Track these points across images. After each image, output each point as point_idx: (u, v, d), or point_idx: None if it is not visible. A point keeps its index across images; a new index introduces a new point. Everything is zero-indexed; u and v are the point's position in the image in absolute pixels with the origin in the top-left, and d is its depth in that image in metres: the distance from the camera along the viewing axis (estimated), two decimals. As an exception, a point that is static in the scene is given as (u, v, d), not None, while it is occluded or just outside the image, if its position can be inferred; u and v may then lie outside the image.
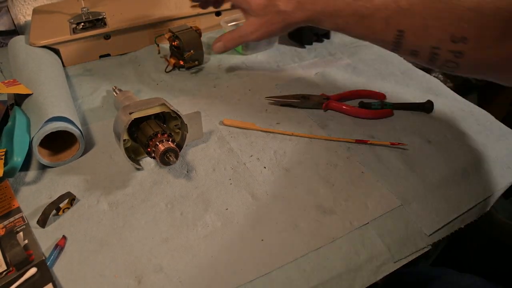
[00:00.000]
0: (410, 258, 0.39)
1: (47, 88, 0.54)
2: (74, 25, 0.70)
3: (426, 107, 0.56)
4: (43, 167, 0.49)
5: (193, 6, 0.73)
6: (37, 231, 0.41)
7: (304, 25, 0.49)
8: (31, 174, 0.48)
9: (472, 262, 0.54)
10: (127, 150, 0.47)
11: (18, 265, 0.37)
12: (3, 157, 0.44)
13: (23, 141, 0.46)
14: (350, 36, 0.46)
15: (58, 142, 0.49)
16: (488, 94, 1.50)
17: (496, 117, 0.55)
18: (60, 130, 0.47)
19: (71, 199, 0.43)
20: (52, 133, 0.46)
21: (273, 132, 0.54)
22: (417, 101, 0.57)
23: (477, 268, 0.54)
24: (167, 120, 0.49)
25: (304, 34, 0.72)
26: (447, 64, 0.39)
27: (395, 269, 0.38)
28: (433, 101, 0.56)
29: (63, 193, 0.44)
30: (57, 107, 0.49)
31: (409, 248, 0.39)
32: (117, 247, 0.40)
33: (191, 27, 0.66)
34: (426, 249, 0.39)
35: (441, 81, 0.62)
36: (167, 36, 0.65)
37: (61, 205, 0.43)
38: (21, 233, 0.41)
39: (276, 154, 0.50)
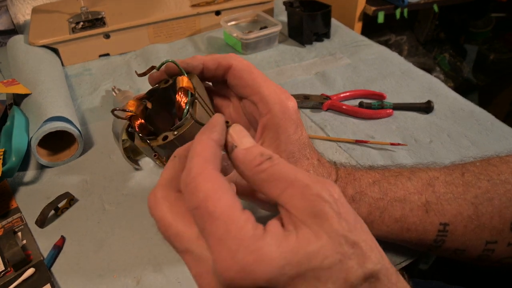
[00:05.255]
0: (404, 264, 0.38)
1: (46, 87, 0.54)
2: (73, 25, 0.70)
3: (426, 107, 0.55)
4: (41, 167, 0.49)
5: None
6: (35, 231, 0.41)
7: None
8: (30, 174, 0.48)
9: (467, 266, 0.54)
10: (126, 150, 0.47)
11: (16, 265, 0.36)
12: (1, 157, 0.44)
13: (22, 141, 0.46)
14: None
15: (57, 142, 0.49)
16: (488, 94, 1.50)
17: (497, 117, 0.54)
18: (59, 130, 0.46)
19: (69, 199, 0.43)
20: (51, 133, 0.46)
21: (272, 132, 0.53)
22: (418, 101, 0.57)
23: (472, 273, 0.54)
24: None
25: (304, 33, 0.72)
26: (504, 261, 0.32)
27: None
28: (433, 101, 0.56)
29: (62, 193, 0.43)
30: (56, 107, 0.49)
31: (405, 254, 0.38)
32: (116, 247, 0.39)
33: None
34: (421, 254, 0.39)
35: (442, 81, 0.62)
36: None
37: (59, 205, 0.43)
38: (19, 233, 0.41)
39: (276, 154, 0.50)
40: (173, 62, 0.33)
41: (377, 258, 0.20)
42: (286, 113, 0.31)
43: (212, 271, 0.20)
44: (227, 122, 0.25)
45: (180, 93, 0.31)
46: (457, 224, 0.32)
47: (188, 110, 0.30)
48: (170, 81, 0.34)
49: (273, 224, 0.21)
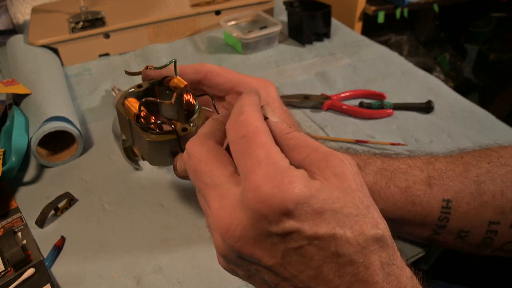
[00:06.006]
0: (409, 261, 0.38)
1: (46, 87, 0.54)
2: (73, 24, 0.70)
3: (427, 107, 0.55)
4: (41, 167, 0.49)
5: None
6: (35, 231, 0.41)
7: None
8: (30, 174, 0.48)
9: (468, 266, 0.54)
10: (126, 150, 0.47)
11: (16, 266, 0.36)
12: (1, 157, 0.44)
13: (22, 141, 0.46)
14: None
15: (57, 142, 0.49)
16: (489, 94, 1.49)
17: (497, 117, 0.54)
18: (59, 130, 0.46)
19: (69, 199, 0.43)
20: (50, 133, 0.46)
21: (272, 132, 0.53)
22: (418, 101, 0.57)
23: (473, 273, 0.54)
24: None
25: (304, 33, 0.72)
26: (506, 247, 0.32)
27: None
28: (433, 101, 0.56)
29: (62, 193, 0.43)
30: (56, 107, 0.49)
31: (406, 253, 0.38)
32: (116, 248, 0.39)
33: None
34: (421, 254, 0.39)
35: (442, 81, 0.62)
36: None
37: (59, 205, 0.42)
38: (19, 233, 0.41)
39: (276, 154, 0.50)
40: (175, 62, 0.36)
41: (386, 226, 0.22)
42: (270, 92, 0.36)
43: (237, 203, 0.21)
44: None
45: (187, 91, 0.34)
46: (460, 201, 0.32)
47: (198, 105, 0.34)
48: (144, 86, 0.37)
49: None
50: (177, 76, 0.36)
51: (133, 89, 0.36)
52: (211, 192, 0.23)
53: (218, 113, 0.33)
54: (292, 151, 0.23)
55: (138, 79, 0.38)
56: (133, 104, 0.33)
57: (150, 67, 0.35)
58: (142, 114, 0.33)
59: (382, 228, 0.21)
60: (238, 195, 0.21)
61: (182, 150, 0.32)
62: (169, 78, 0.36)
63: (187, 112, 0.34)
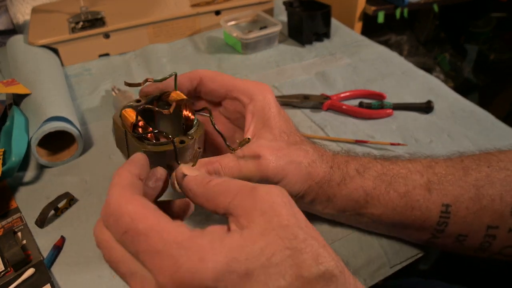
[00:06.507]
0: (404, 264, 0.38)
1: (45, 87, 0.54)
2: (73, 25, 0.70)
3: (426, 107, 0.55)
4: (41, 167, 0.49)
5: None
6: (35, 231, 0.41)
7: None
8: (30, 174, 0.48)
9: (468, 266, 0.54)
10: (126, 150, 0.47)
11: (16, 266, 0.36)
12: (1, 157, 0.44)
13: (22, 141, 0.46)
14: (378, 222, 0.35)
15: (57, 142, 0.49)
16: (489, 94, 1.49)
17: (497, 117, 0.54)
18: (59, 130, 0.46)
19: (69, 199, 0.43)
20: (50, 133, 0.46)
21: (272, 132, 0.53)
22: (418, 101, 0.57)
23: (473, 273, 0.54)
24: None
25: (304, 33, 0.72)
26: (505, 251, 0.32)
27: (390, 273, 0.38)
28: (433, 101, 0.56)
29: (62, 193, 0.43)
30: (56, 107, 0.49)
31: (405, 254, 0.39)
32: (116, 248, 0.39)
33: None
34: (420, 255, 0.39)
35: (442, 81, 0.62)
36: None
37: (59, 205, 0.42)
38: (19, 233, 0.41)
39: (276, 154, 0.50)
40: (176, 75, 0.35)
41: (330, 255, 0.20)
42: (266, 96, 0.35)
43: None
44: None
45: (186, 105, 0.34)
46: (459, 206, 0.32)
47: (197, 119, 0.34)
48: (142, 101, 0.36)
49: (213, 226, 0.21)
50: (176, 91, 0.35)
51: (131, 103, 0.35)
52: (131, 280, 0.21)
53: (216, 128, 0.32)
54: (218, 198, 0.23)
55: (133, 78, 0.38)
56: (130, 114, 0.33)
57: (150, 80, 0.34)
58: (140, 124, 0.32)
59: (324, 260, 0.20)
60: (154, 282, 0.20)
61: (178, 163, 0.31)
62: (168, 92, 0.36)
63: (185, 126, 0.34)
